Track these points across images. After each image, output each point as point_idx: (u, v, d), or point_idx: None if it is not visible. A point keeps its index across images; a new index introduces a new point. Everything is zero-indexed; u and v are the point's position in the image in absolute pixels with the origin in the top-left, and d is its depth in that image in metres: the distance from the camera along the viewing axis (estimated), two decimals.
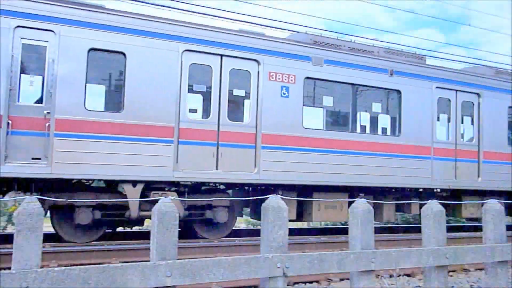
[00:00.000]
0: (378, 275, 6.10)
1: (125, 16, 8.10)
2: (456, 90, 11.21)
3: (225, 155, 8.70)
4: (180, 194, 8.54)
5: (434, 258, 3.53)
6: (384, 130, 10.56)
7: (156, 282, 2.99)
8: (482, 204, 4.74)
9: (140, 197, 7.99)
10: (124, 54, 8.03)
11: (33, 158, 7.36)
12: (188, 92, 8.55)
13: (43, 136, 7.42)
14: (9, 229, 14.48)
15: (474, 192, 11.44)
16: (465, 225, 14.38)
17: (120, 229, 9.19)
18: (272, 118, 9.10)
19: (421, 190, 11.07)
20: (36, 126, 7.41)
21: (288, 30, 10.79)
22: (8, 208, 12.64)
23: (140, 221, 8.66)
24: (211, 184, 9.36)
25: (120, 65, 8.07)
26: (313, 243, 8.93)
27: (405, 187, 10.71)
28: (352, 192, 10.12)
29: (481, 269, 6.65)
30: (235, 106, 9.08)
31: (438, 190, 11.13)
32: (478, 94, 11.46)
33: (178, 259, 3.18)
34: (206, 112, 8.78)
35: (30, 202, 2.68)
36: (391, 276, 6.27)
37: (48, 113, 7.46)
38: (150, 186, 8.29)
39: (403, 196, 10.85)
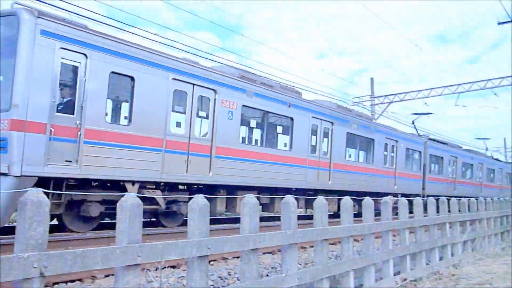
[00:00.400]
0: (144, 269, 6.06)
1: (135, 47, 9.96)
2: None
3: (192, 162, 11.26)
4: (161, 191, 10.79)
5: (197, 249, 3.60)
6: (285, 145, 14.55)
7: None
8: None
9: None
10: (133, 78, 9.90)
11: (66, 161, 8.74)
12: (172, 111, 10.83)
13: (75, 142, 8.86)
14: None
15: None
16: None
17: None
18: (222, 134, 12.02)
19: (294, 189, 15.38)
20: (70, 134, 8.80)
21: (219, 62, 13.73)
22: None
23: None
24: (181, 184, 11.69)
25: (130, 86, 9.91)
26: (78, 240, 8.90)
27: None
28: (261, 191, 13.71)
29: (238, 257, 7.39)
30: (200, 124, 11.69)
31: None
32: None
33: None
34: (182, 127, 11.17)
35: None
36: (156, 268, 6.30)
37: (79, 123, 8.91)
38: (144, 185, 10.33)
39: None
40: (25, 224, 2.73)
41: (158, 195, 10.64)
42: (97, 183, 9.81)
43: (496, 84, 28.45)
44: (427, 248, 7.81)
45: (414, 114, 28.83)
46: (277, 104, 13.96)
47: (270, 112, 13.86)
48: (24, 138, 8.10)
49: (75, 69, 8.96)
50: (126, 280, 3.22)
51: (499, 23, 27.12)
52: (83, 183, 9.51)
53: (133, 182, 10.05)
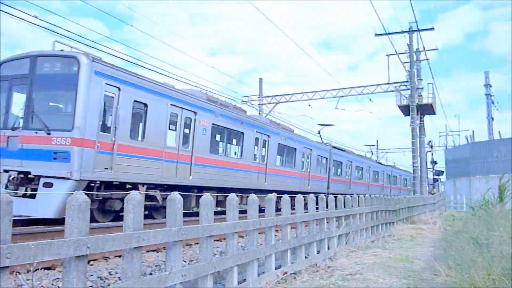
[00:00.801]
0: (14, 271, 5.84)
1: (148, 81, 13.03)
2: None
3: (179, 168, 14.53)
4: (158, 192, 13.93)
5: (76, 248, 3.35)
6: (235, 153, 18.30)
7: None
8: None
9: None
10: (146, 104, 12.96)
11: (105, 168, 11.62)
12: (169, 129, 14.02)
13: (110, 154, 11.75)
14: None
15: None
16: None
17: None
18: (198, 146, 15.42)
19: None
20: (108, 148, 11.68)
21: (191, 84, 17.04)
22: None
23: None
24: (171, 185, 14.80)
25: (144, 111, 12.95)
26: None
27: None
28: (220, 191, 17.29)
29: (120, 256, 7.16)
30: (185, 139, 14.97)
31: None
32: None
33: None
34: (174, 142, 14.38)
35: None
36: (28, 271, 5.92)
37: (113, 140, 11.82)
38: (149, 187, 13.41)
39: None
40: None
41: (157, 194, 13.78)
42: (117, 184, 12.74)
43: (372, 91, 31.99)
44: (307, 242, 7.97)
45: (320, 125, 34.33)
46: (234, 122, 17.70)
47: (229, 128, 17.53)
48: (82, 152, 10.89)
49: (112, 99, 11.84)
50: None
51: (376, 35, 31.59)
52: (108, 185, 12.39)
53: (143, 184, 13.10)
